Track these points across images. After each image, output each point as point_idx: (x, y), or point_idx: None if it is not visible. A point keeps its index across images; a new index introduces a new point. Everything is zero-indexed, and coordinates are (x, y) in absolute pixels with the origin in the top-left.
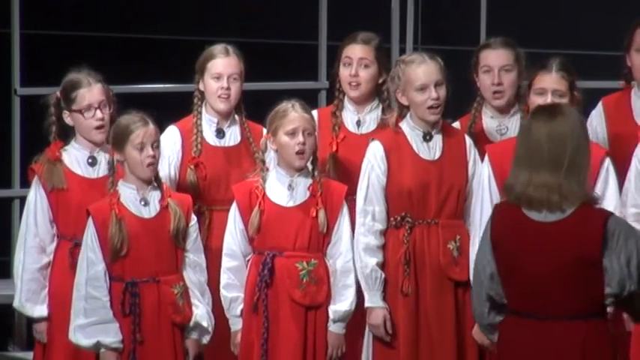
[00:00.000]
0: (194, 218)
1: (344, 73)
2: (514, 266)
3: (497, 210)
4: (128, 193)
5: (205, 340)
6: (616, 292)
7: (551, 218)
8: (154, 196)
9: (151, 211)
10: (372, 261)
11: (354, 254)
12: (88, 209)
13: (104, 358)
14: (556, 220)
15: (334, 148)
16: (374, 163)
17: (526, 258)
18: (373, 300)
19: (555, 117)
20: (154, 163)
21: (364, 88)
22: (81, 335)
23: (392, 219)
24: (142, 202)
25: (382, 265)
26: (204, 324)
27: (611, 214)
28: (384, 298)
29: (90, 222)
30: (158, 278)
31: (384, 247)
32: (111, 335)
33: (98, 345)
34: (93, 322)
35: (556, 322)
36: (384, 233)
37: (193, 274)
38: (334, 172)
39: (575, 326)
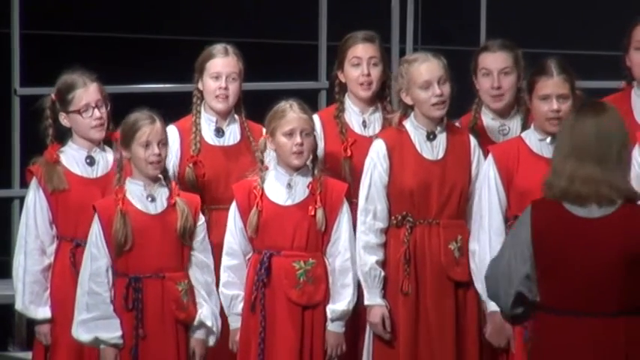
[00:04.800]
0: (202, 218)
1: (353, 73)
2: (557, 263)
3: (536, 207)
4: (135, 189)
5: (212, 341)
6: None
7: (596, 214)
8: (162, 193)
9: (157, 208)
10: (372, 259)
11: (355, 252)
12: (94, 205)
13: (104, 354)
14: (601, 215)
15: (349, 153)
16: (376, 162)
17: (570, 255)
18: (372, 298)
19: (601, 114)
20: (160, 162)
21: (375, 87)
22: (82, 330)
23: (393, 218)
24: (149, 199)
25: (383, 264)
26: (209, 323)
27: None
28: (385, 297)
29: (95, 218)
30: (162, 274)
31: (385, 246)
32: (110, 331)
33: (97, 340)
34: (94, 317)
35: (596, 319)
36: (385, 232)
37: (200, 274)
38: (351, 176)
39: (617, 323)
